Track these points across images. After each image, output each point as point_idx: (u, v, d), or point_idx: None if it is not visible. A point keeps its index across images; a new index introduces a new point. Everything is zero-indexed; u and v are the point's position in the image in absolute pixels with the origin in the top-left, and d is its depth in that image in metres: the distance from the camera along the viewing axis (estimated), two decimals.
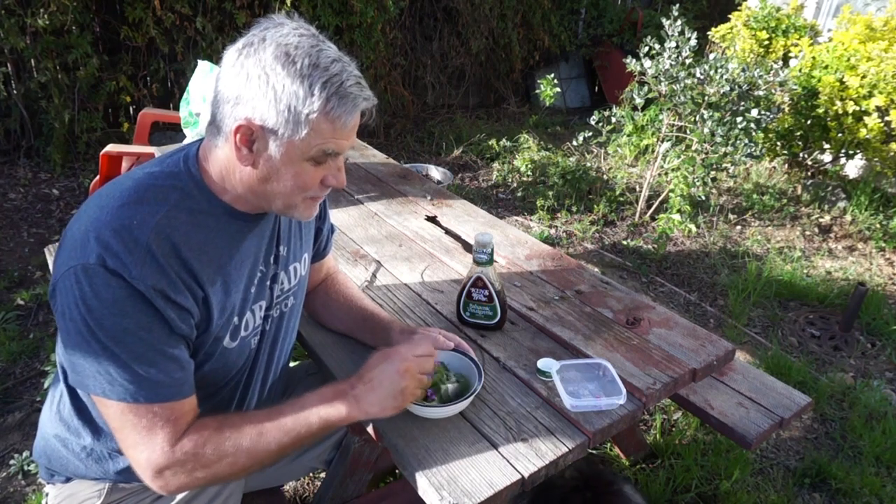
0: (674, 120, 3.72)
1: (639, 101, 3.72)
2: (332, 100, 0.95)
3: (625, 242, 3.75)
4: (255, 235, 1.11)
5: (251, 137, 0.97)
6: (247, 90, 0.94)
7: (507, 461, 1.09)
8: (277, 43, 0.94)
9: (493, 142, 4.94)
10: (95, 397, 0.98)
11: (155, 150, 2.23)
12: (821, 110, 3.88)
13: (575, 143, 4.19)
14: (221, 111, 0.98)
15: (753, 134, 3.41)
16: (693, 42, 3.40)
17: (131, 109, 4.36)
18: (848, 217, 4.09)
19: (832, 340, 2.93)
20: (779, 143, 4.32)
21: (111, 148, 2.31)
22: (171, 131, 3.95)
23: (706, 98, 3.45)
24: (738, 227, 4.00)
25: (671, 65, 3.45)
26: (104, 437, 1.11)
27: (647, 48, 3.54)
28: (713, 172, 3.51)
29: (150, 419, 0.96)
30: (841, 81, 3.81)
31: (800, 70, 4.04)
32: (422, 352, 1.10)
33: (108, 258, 0.91)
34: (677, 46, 3.44)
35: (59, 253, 0.97)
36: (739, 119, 3.37)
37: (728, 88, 3.36)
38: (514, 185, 4.49)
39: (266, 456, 1.02)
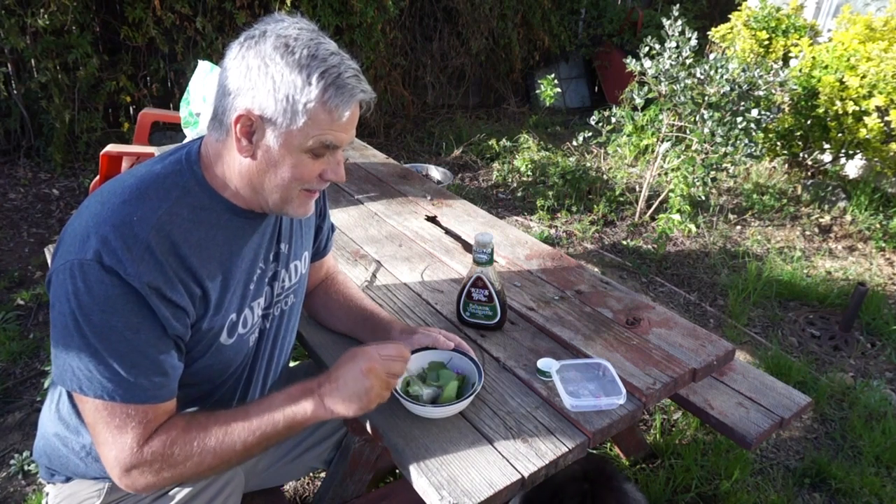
0: (674, 120, 3.72)
1: (639, 101, 3.72)
2: (330, 90, 0.96)
3: (625, 242, 3.75)
4: (256, 233, 1.11)
5: (251, 128, 0.98)
6: (247, 81, 0.95)
7: (507, 461, 1.09)
8: (277, 35, 0.96)
9: (493, 142, 4.94)
10: (73, 393, 0.98)
11: (155, 150, 2.23)
12: (821, 110, 3.88)
13: (575, 143, 4.20)
14: (223, 104, 0.99)
15: (753, 134, 3.41)
16: (693, 42, 3.40)
17: (131, 109, 4.36)
18: (848, 217, 4.09)
19: (832, 340, 2.93)
20: (779, 143, 4.32)
21: (111, 148, 2.31)
22: (171, 131, 3.95)
23: (706, 98, 3.45)
24: (738, 227, 4.00)
25: (671, 65, 3.45)
26: None
27: (647, 48, 3.54)
28: (713, 172, 3.51)
29: (123, 419, 0.96)
30: (841, 81, 3.82)
31: (800, 70, 4.04)
32: (389, 353, 1.09)
33: (106, 255, 0.92)
34: (677, 46, 3.44)
35: (59, 246, 0.98)
36: (739, 119, 3.37)
37: (728, 88, 3.36)
38: (514, 185, 4.48)
39: (232, 455, 1.02)
